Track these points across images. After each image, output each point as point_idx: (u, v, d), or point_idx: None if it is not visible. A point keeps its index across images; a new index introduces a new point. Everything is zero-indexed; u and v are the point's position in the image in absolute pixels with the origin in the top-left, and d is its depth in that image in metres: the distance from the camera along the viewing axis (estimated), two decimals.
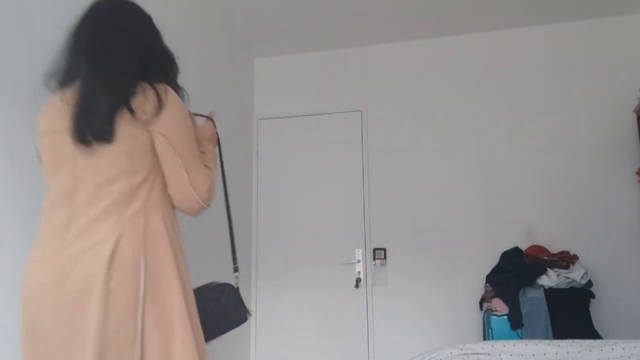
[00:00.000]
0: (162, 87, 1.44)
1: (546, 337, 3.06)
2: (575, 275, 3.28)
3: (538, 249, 3.49)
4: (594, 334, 3.11)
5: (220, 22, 3.75)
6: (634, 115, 3.48)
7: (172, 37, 3.32)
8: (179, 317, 1.35)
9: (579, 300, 3.25)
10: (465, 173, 3.87)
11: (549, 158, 3.74)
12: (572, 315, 3.20)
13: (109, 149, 1.36)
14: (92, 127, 1.35)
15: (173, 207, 1.47)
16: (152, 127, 1.39)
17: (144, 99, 1.39)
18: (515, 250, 3.56)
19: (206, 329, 1.47)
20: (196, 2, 3.41)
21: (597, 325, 3.22)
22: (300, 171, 4.14)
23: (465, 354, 2.04)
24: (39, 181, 2.07)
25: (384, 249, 3.92)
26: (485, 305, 3.47)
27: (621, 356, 1.95)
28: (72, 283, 1.28)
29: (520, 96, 3.87)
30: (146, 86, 1.41)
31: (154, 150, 1.42)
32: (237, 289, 1.69)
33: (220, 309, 1.61)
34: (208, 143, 1.65)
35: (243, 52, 4.24)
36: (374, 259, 3.92)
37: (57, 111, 1.42)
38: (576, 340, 2.09)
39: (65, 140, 1.38)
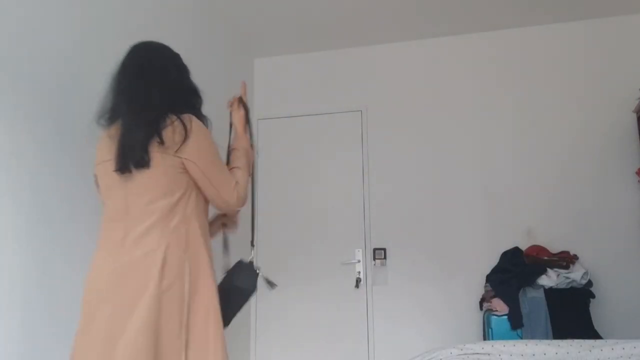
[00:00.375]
0: (187, 118, 1.71)
1: (546, 337, 3.06)
2: (575, 275, 3.28)
3: (538, 249, 3.49)
4: (594, 334, 3.11)
5: (221, 22, 3.75)
6: (634, 115, 3.48)
7: (172, 37, 3.33)
8: (213, 311, 1.65)
9: (579, 300, 3.25)
10: (466, 173, 3.87)
11: (549, 158, 3.74)
12: (572, 315, 3.19)
13: (149, 174, 1.65)
14: (132, 157, 1.65)
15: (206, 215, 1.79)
16: (182, 155, 1.67)
17: (172, 130, 1.67)
18: (515, 250, 3.56)
19: (225, 308, 1.73)
20: (196, 2, 3.41)
21: (597, 325, 3.22)
22: (300, 171, 4.14)
23: (465, 354, 2.04)
24: (39, 181, 2.08)
25: (384, 249, 3.92)
26: (485, 305, 3.47)
27: (621, 356, 1.95)
28: (132, 283, 1.57)
29: (520, 96, 3.87)
30: (174, 118, 1.69)
31: (187, 171, 1.70)
32: (250, 262, 1.93)
33: (231, 285, 1.84)
34: (244, 157, 1.89)
35: (243, 52, 4.24)
36: (374, 259, 3.92)
37: (106, 144, 1.75)
38: (576, 340, 2.09)
39: (112, 168, 1.69)
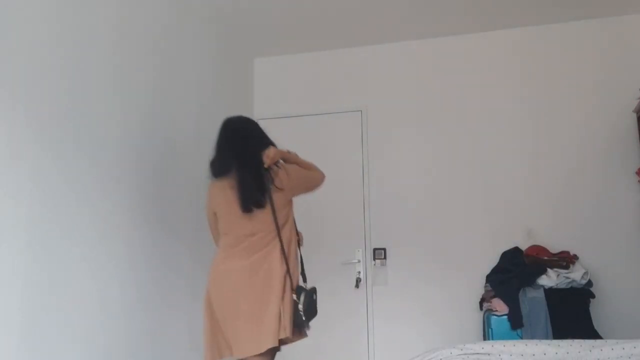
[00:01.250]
0: (282, 164, 2.52)
1: (546, 337, 3.06)
2: (575, 275, 3.28)
3: (538, 249, 3.49)
4: (594, 334, 3.11)
5: (221, 22, 3.75)
6: (634, 115, 3.48)
7: (172, 37, 3.34)
8: (289, 291, 2.38)
9: (579, 300, 3.25)
10: (466, 173, 3.87)
11: (549, 158, 3.74)
12: (572, 315, 3.19)
13: (264, 210, 2.39)
14: (253, 201, 2.38)
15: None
16: (286, 186, 2.47)
17: (275, 174, 2.46)
18: (515, 250, 3.56)
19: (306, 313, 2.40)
20: (196, 2, 3.41)
21: (597, 325, 3.22)
22: None
23: (465, 354, 2.04)
24: (39, 182, 2.07)
25: (384, 249, 3.92)
26: (485, 305, 3.47)
27: (621, 356, 1.95)
28: (261, 274, 2.34)
29: (520, 96, 3.87)
30: (280, 165, 2.52)
31: (289, 203, 2.53)
32: (310, 291, 2.47)
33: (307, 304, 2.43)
34: (294, 158, 2.63)
35: (243, 52, 4.24)
36: (374, 259, 3.92)
37: (221, 190, 2.47)
38: (576, 340, 2.08)
39: (234, 207, 2.39)
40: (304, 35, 4.05)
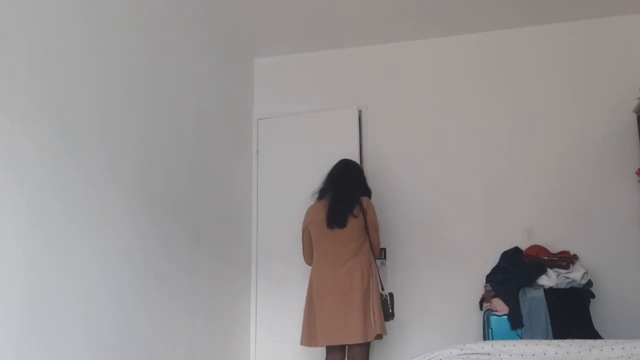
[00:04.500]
0: (366, 200, 3.20)
1: (546, 337, 3.06)
2: (575, 275, 3.28)
3: (538, 249, 3.49)
4: (594, 334, 3.10)
5: (221, 22, 3.75)
6: (634, 116, 3.48)
7: (173, 37, 3.34)
8: (376, 295, 3.08)
9: (579, 300, 3.25)
10: (465, 173, 3.87)
11: (549, 158, 3.75)
12: (572, 315, 3.20)
13: (346, 230, 3.09)
14: (337, 221, 3.10)
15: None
16: (367, 218, 3.13)
17: (359, 206, 3.12)
18: (515, 250, 3.56)
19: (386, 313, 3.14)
20: (196, 2, 3.41)
21: (597, 325, 3.22)
22: (300, 171, 4.13)
23: (465, 354, 2.04)
24: (38, 183, 2.07)
25: (384, 249, 3.91)
26: (485, 305, 3.47)
27: (621, 356, 1.95)
28: (348, 282, 3.02)
29: (519, 96, 3.87)
30: (362, 199, 3.17)
31: (366, 228, 3.12)
32: (386, 298, 3.18)
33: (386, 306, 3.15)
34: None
35: (243, 52, 4.24)
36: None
37: (318, 210, 3.21)
38: (576, 340, 2.08)
39: (324, 225, 3.13)
40: (304, 35, 4.05)
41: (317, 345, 3.07)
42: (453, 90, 4.00)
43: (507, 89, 3.90)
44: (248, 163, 4.20)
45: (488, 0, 3.57)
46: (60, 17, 2.25)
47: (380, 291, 3.10)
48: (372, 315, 2.98)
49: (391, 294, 3.20)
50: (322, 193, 3.24)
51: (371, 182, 4.01)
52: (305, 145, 4.15)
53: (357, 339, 2.94)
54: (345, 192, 3.17)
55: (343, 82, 4.21)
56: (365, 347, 3.08)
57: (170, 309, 2.95)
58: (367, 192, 3.32)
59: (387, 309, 3.11)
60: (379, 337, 3.05)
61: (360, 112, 4.13)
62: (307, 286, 3.23)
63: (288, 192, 4.13)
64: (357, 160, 4.06)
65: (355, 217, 3.08)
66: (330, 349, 3.10)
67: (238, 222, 3.97)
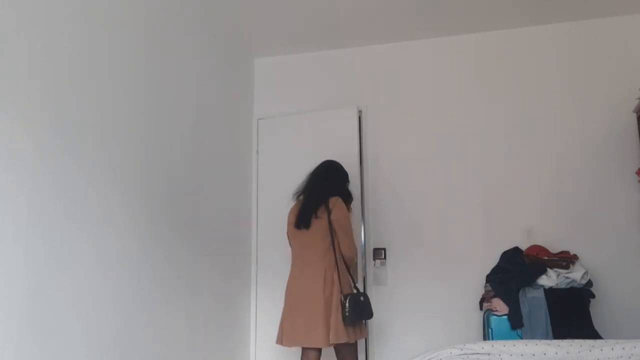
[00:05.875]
0: (334, 199, 3.08)
1: (546, 337, 3.06)
2: (575, 275, 3.28)
3: (538, 249, 3.49)
4: (594, 334, 3.11)
5: (221, 22, 3.75)
6: (634, 115, 3.48)
7: (173, 36, 3.34)
8: (336, 303, 2.96)
9: (579, 300, 3.25)
10: (465, 173, 3.87)
11: (549, 158, 3.75)
12: (572, 315, 3.19)
13: (311, 231, 3.06)
14: (303, 222, 3.08)
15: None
16: (331, 218, 3.05)
17: (324, 206, 3.06)
18: (515, 250, 3.56)
19: (357, 314, 3.00)
20: (196, 2, 3.41)
21: (597, 325, 3.22)
22: (300, 171, 4.12)
23: (465, 354, 2.04)
24: (38, 183, 2.08)
25: (384, 249, 3.92)
26: (485, 305, 3.47)
27: (621, 356, 1.95)
28: (312, 287, 2.99)
29: (520, 96, 3.87)
30: (330, 199, 3.07)
31: (332, 230, 3.04)
32: (358, 296, 3.06)
33: (358, 306, 3.02)
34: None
35: (243, 52, 4.24)
36: (374, 259, 3.92)
37: (293, 211, 3.21)
38: (576, 340, 2.08)
39: (293, 226, 3.13)
40: (304, 35, 4.05)
41: (282, 345, 3.10)
42: (453, 90, 4.00)
43: (507, 88, 3.90)
44: (248, 163, 4.21)
45: (488, 0, 3.57)
46: (60, 17, 2.25)
47: (341, 295, 2.96)
48: (331, 323, 2.90)
49: (362, 295, 3.08)
50: (299, 194, 3.22)
51: (371, 182, 4.06)
52: (305, 145, 4.15)
53: (319, 344, 2.93)
54: (314, 192, 3.13)
55: (343, 82, 4.21)
56: (353, 347, 3.08)
57: (170, 309, 2.95)
58: (344, 195, 3.19)
59: (345, 314, 2.92)
60: (354, 340, 3.03)
61: (360, 112, 4.13)
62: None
63: (288, 192, 4.12)
64: (357, 160, 4.08)
65: (318, 217, 3.03)
66: (304, 349, 3.07)
67: (238, 222, 3.97)
